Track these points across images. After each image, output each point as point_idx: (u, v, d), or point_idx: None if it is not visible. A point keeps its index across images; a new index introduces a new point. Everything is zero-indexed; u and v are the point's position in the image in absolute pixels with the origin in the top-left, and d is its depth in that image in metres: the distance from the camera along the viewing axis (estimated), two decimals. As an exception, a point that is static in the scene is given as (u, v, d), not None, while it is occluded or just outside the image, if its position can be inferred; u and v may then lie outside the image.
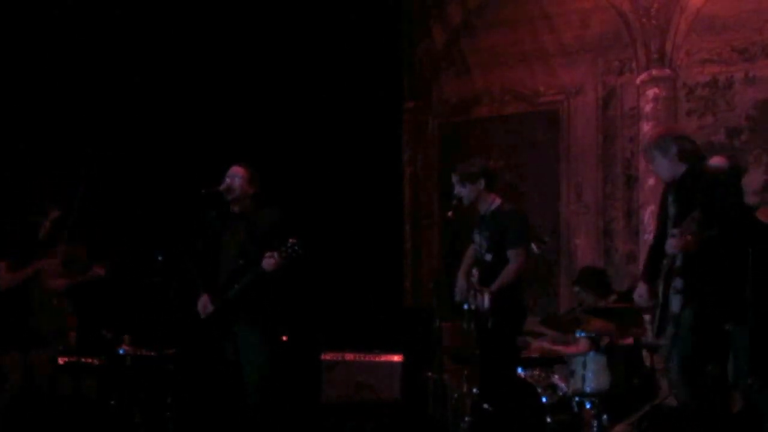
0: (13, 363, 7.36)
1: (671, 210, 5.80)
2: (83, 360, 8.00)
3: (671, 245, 5.63)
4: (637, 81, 9.61)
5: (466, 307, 6.91)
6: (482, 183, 6.98)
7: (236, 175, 7.10)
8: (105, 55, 9.24)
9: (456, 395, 8.03)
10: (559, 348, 8.06)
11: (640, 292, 5.91)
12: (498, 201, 7.06)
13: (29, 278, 7.48)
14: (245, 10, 9.78)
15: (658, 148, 5.85)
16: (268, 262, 6.77)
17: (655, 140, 5.94)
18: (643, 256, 7.73)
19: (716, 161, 6.74)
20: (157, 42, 9.41)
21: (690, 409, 5.61)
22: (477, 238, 7.11)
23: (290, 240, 6.76)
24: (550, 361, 8.07)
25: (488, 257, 6.92)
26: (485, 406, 7.07)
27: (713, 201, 5.56)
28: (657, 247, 5.94)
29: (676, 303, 5.68)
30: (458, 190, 7.01)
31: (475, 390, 7.35)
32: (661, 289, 5.76)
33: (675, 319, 5.67)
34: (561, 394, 7.59)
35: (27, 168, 8.65)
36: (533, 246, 7.63)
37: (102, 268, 7.77)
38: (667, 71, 9.47)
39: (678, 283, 5.67)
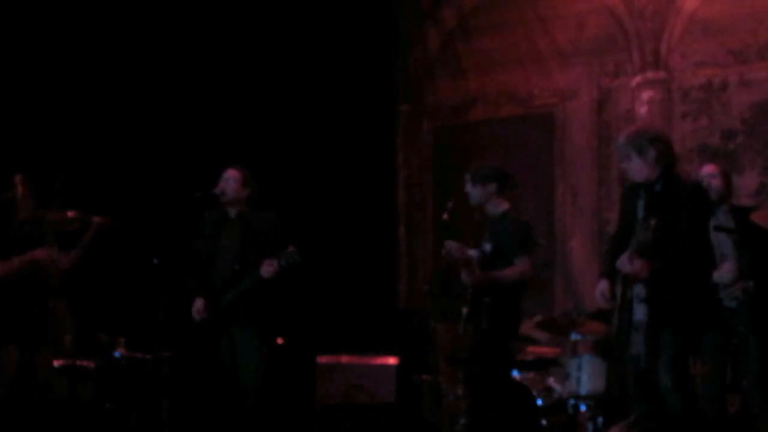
0: (9, 358, 7.24)
1: (640, 213, 5.78)
2: (78, 363, 7.98)
3: (623, 266, 5.66)
4: (632, 84, 9.61)
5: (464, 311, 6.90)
6: (494, 187, 6.98)
7: (230, 178, 7.11)
8: (103, 56, 9.24)
9: (451, 397, 8.04)
10: None
11: (602, 289, 5.88)
12: (506, 206, 7.05)
13: (31, 268, 7.20)
14: (241, 12, 9.78)
15: (635, 147, 5.77)
16: (267, 270, 6.79)
17: (632, 138, 5.85)
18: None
19: (710, 169, 6.77)
20: (158, 43, 9.41)
21: (683, 413, 5.63)
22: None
23: (289, 248, 6.77)
24: (545, 364, 8.08)
25: (487, 247, 6.91)
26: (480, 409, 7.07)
27: (678, 219, 5.57)
28: (614, 245, 5.94)
29: (640, 312, 5.67)
30: (468, 189, 7.01)
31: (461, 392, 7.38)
32: (619, 292, 5.76)
33: (647, 332, 5.64)
34: (556, 396, 7.60)
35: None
36: None
37: (101, 217, 7.47)
38: (662, 74, 9.47)
39: (640, 290, 5.67)
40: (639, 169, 5.79)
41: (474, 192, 6.99)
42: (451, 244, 6.90)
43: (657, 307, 5.59)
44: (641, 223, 5.65)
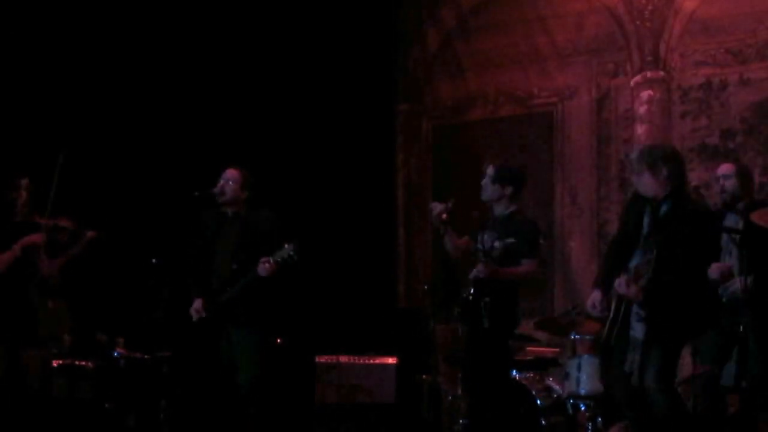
0: None
1: (645, 228, 5.80)
2: (77, 363, 7.98)
3: (620, 287, 5.70)
4: (632, 83, 9.61)
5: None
6: (511, 189, 6.95)
7: (230, 178, 7.10)
8: (103, 57, 9.24)
9: (450, 397, 8.03)
10: None
11: (594, 300, 5.89)
12: (515, 206, 7.03)
13: (21, 263, 7.17)
14: (240, 12, 9.78)
15: (649, 165, 5.79)
16: (264, 267, 6.78)
17: (646, 153, 5.88)
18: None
19: (724, 169, 6.73)
20: (157, 42, 9.41)
21: (670, 413, 5.64)
22: (481, 237, 7.03)
23: (286, 245, 6.76)
24: (545, 364, 8.08)
25: (497, 244, 6.88)
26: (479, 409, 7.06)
27: (678, 246, 5.59)
28: (613, 254, 5.98)
29: (639, 330, 5.69)
30: (485, 183, 6.97)
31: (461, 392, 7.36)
32: (613, 305, 5.79)
33: (643, 350, 5.67)
34: (556, 396, 7.60)
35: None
36: None
37: (94, 232, 7.55)
38: (661, 73, 9.47)
39: (639, 308, 5.70)
40: (649, 184, 5.80)
41: (491, 188, 6.95)
42: (437, 205, 6.92)
43: (651, 327, 5.63)
44: (643, 242, 5.70)
